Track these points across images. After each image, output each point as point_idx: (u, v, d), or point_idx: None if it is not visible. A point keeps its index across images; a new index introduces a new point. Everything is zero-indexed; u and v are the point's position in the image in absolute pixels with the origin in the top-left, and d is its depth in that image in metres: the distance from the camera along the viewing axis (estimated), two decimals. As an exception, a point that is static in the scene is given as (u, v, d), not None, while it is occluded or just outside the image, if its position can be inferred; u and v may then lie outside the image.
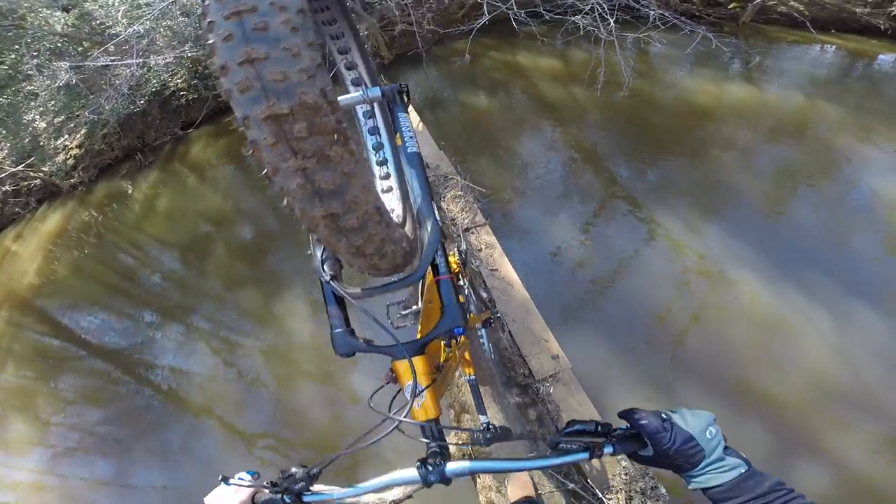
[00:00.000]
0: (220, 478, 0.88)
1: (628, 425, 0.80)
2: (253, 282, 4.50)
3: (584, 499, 2.30)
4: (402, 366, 0.94)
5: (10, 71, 6.04)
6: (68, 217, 6.47)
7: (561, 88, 5.57)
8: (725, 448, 0.73)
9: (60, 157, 6.86)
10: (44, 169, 6.71)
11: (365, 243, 0.76)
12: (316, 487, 0.90)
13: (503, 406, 2.66)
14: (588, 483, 2.32)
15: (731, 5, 5.95)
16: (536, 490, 2.32)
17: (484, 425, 1.38)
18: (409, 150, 1.06)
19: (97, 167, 6.85)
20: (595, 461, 1.96)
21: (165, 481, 3.33)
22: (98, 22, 5.51)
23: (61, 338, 4.86)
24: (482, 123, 5.38)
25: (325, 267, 0.96)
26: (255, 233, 5.12)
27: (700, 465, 0.72)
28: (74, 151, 6.83)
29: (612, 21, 4.04)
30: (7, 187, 6.72)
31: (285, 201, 0.68)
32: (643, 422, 0.75)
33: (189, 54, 6.27)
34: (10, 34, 5.56)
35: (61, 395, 4.22)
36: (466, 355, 1.99)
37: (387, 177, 1.20)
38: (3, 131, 6.43)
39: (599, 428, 0.80)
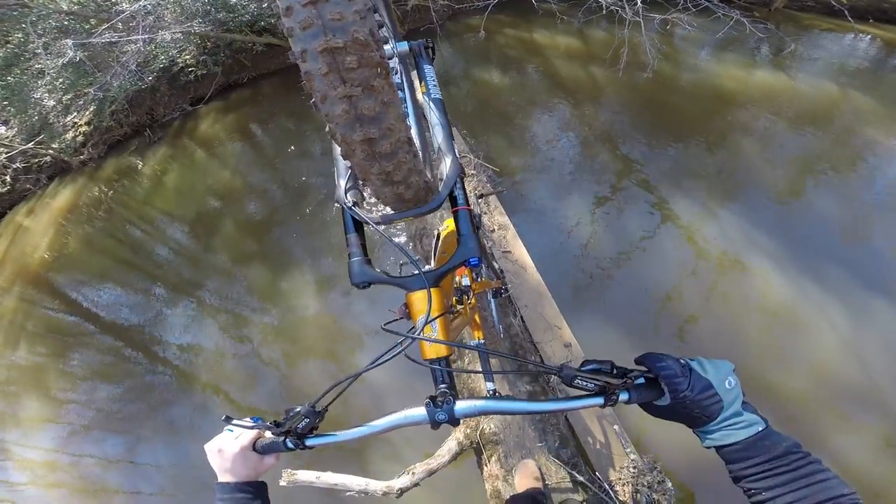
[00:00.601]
0: (223, 417, 0.84)
1: (645, 371, 0.74)
2: (260, 257, 4.48)
3: (590, 490, 2.27)
4: (417, 298, 0.91)
5: (17, 50, 5.92)
6: (78, 193, 6.44)
7: (579, 68, 5.36)
8: (744, 403, 0.69)
9: (70, 134, 6.76)
10: (53, 146, 6.63)
11: (395, 169, 0.81)
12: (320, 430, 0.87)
13: (509, 379, 2.61)
14: (595, 475, 2.29)
15: None
16: (544, 480, 2.28)
17: (490, 392, 1.31)
18: (433, 96, 1.11)
19: (106, 143, 6.77)
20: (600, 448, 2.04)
21: (171, 458, 3.37)
22: (103, -1, 5.31)
23: (72, 313, 4.87)
24: (496, 101, 5.22)
25: (348, 195, 0.98)
26: (263, 208, 5.05)
27: (717, 420, 0.67)
28: (83, 128, 6.73)
29: (638, 1, 3.81)
30: (18, 164, 6.65)
31: (328, 128, 0.75)
32: (661, 364, 0.70)
33: (197, 30, 6.09)
34: (15, 13, 5.39)
35: (72, 372, 4.25)
36: (476, 318, 1.93)
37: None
38: (12, 109, 6.36)
39: (615, 370, 0.74)
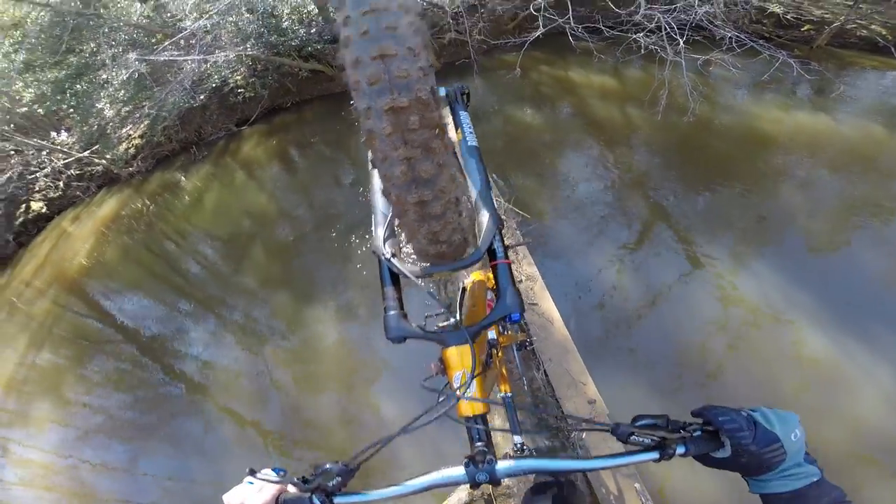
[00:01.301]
0: (247, 470, 0.79)
1: (702, 422, 0.70)
2: (284, 282, 4.45)
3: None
4: (454, 353, 0.88)
5: (88, 59, 6.27)
6: (123, 204, 6.68)
7: (615, 109, 5.27)
8: (805, 454, 0.66)
9: (123, 146, 7.09)
10: (107, 156, 6.94)
11: (442, 230, 0.82)
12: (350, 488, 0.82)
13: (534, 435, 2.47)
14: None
15: (805, 28, 5.55)
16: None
17: (518, 446, 1.25)
18: (469, 144, 1.11)
19: (155, 158, 7.05)
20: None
21: (176, 471, 3.30)
22: (170, 14, 5.63)
23: (99, 319, 4.98)
24: (528, 140, 5.15)
25: (386, 246, 0.96)
26: (293, 233, 5.06)
27: (776, 470, 0.64)
28: (136, 141, 7.05)
29: (681, 41, 3.77)
30: (72, 171, 6.98)
31: (382, 188, 0.78)
32: (724, 418, 0.66)
33: (250, 52, 6.38)
34: (91, 23, 5.76)
35: (88, 377, 4.29)
36: (503, 370, 1.86)
37: None
38: (77, 117, 6.68)
39: (670, 424, 0.70)
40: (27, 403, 4.17)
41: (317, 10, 6.82)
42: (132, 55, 5.47)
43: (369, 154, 1.00)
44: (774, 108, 4.71)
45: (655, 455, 0.70)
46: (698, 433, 0.70)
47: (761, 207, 3.74)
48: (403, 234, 0.96)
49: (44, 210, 6.93)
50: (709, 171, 4.16)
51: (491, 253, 0.96)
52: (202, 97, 6.49)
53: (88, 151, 6.69)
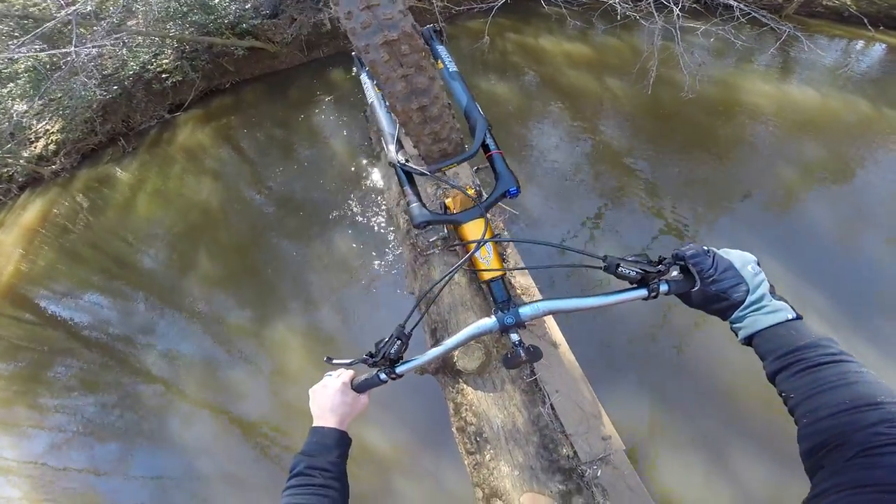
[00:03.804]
0: (325, 358, 0.91)
1: (670, 259, 0.74)
2: (245, 274, 3.93)
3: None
4: (470, 228, 1.04)
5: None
6: (52, 203, 5.70)
7: (598, 81, 4.53)
8: (773, 293, 0.67)
9: (41, 143, 5.97)
10: (24, 154, 5.85)
11: (441, 129, 1.04)
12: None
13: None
14: None
15: None
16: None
17: (516, 343, 1.11)
18: (450, 70, 1.23)
19: (80, 153, 5.97)
20: None
21: (148, 470, 3.05)
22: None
23: (47, 325, 4.43)
24: (506, 121, 4.40)
25: (398, 156, 1.11)
26: (246, 221, 4.39)
27: (746, 303, 0.65)
28: (55, 136, 5.93)
29: (676, 9, 3.00)
30: (-14, 173, 5.87)
31: (387, 102, 0.99)
32: (686, 247, 0.71)
33: (173, 33, 5.28)
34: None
35: (47, 381, 3.86)
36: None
37: None
38: None
39: (650, 262, 0.75)
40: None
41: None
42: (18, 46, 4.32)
43: (369, 89, 1.36)
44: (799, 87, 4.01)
45: (644, 292, 0.75)
46: (675, 273, 0.73)
47: (766, 192, 3.18)
48: (411, 140, 1.11)
49: (-42, 219, 5.85)
50: (703, 153, 3.52)
51: (485, 147, 1.11)
52: (120, 87, 5.39)
53: (1, 151, 5.57)
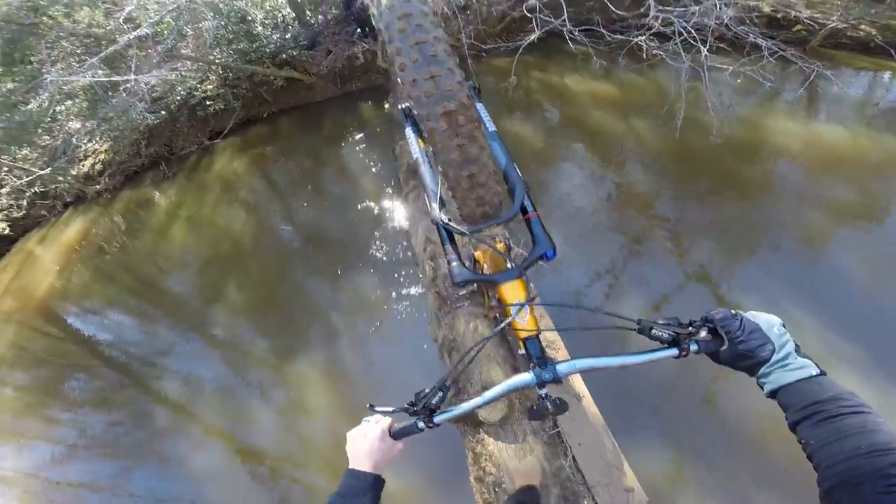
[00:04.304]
0: (367, 405, 0.93)
1: (704, 323, 0.78)
2: (271, 307, 3.95)
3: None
4: (507, 290, 1.06)
5: (35, 70, 5.38)
6: (93, 223, 5.95)
7: (619, 121, 4.51)
8: (798, 351, 0.70)
9: (88, 162, 6.27)
10: (72, 172, 6.13)
11: (486, 194, 1.06)
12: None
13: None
14: None
15: (797, 28, 4.80)
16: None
17: (542, 396, 1.10)
18: (489, 130, 1.29)
19: (123, 174, 6.23)
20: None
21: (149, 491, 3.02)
22: (124, 19, 4.74)
23: (71, 341, 4.57)
24: (525, 160, 4.38)
25: (441, 214, 1.13)
26: (274, 253, 4.47)
27: (770, 361, 0.69)
28: (102, 157, 6.22)
29: (704, 49, 2.98)
30: (36, 189, 6.16)
31: (439, 167, 1.02)
32: (717, 314, 0.76)
33: (219, 59, 5.53)
34: (33, 33, 4.87)
35: (65, 396, 3.96)
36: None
37: None
38: (40, 130, 5.85)
39: (681, 323, 0.79)
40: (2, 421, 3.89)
41: (293, 15, 5.96)
42: (84, 67, 4.59)
43: (413, 144, 1.40)
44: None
45: (675, 351, 0.79)
46: (704, 333, 0.77)
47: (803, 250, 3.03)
48: (455, 202, 1.13)
49: (7, 231, 6.12)
50: (728, 199, 3.43)
51: (523, 209, 1.14)
52: (167, 111, 5.64)
53: (50, 168, 5.86)
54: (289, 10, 5.94)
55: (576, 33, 3.87)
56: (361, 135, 5.41)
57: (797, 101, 4.15)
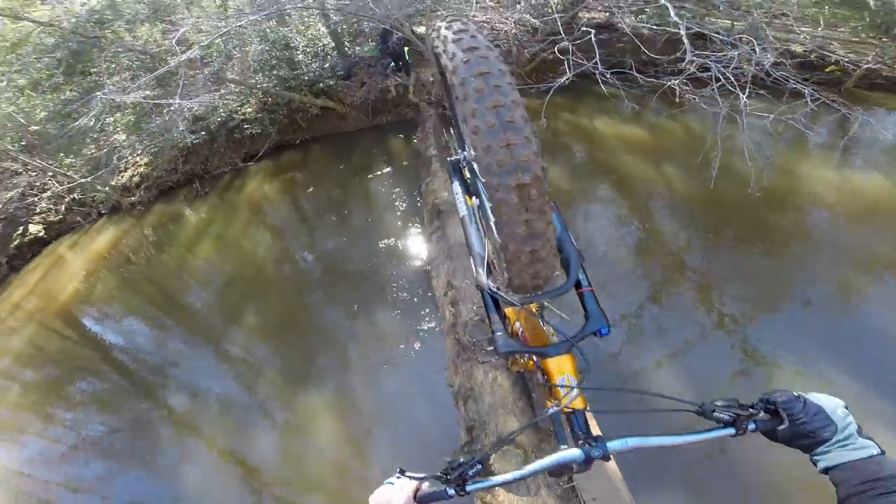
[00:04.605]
0: (398, 469, 0.86)
1: (764, 404, 0.77)
2: (285, 328, 3.93)
3: None
4: (553, 363, 1.01)
5: (92, 83, 5.68)
6: (124, 233, 6.11)
7: (650, 166, 4.43)
8: (859, 431, 0.69)
9: (128, 174, 6.50)
10: (111, 183, 6.36)
11: (543, 268, 0.98)
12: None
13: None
14: None
15: (829, 69, 4.73)
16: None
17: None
18: None
19: (158, 188, 6.42)
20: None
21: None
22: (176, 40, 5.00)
23: (85, 345, 4.59)
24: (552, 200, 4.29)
25: (489, 282, 1.10)
26: (298, 280, 4.47)
27: (830, 441, 0.68)
28: (141, 170, 6.45)
29: (743, 96, 2.91)
30: (75, 195, 6.40)
31: (499, 239, 0.91)
32: (780, 396, 0.75)
33: (261, 84, 5.75)
34: (94, 47, 5.17)
35: (71, 397, 3.97)
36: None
37: None
38: (89, 138, 6.09)
39: (741, 405, 0.78)
40: (3, 415, 3.94)
41: (333, 45, 6.21)
42: (134, 84, 4.82)
43: (460, 202, 1.33)
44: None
45: (732, 430, 0.78)
46: (763, 413, 0.77)
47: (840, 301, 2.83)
48: (507, 272, 1.01)
49: (42, 234, 6.32)
50: (762, 253, 3.26)
51: (577, 283, 1.09)
52: (206, 131, 5.84)
53: (91, 177, 6.09)
54: (329, 39, 6.19)
55: (608, 76, 3.88)
56: (389, 168, 5.46)
57: (831, 145, 4.02)
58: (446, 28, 0.95)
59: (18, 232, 6.28)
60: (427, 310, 3.49)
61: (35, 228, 6.34)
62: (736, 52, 3.11)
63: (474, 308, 2.57)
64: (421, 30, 5.84)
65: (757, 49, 3.19)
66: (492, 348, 2.06)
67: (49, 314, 5.03)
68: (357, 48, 6.42)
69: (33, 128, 6.70)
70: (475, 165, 0.84)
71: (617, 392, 1.01)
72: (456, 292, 2.69)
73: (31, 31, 5.17)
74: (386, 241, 4.33)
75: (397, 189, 5.03)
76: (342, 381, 3.22)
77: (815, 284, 3.03)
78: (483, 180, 0.85)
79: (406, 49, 5.75)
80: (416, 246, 4.15)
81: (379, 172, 5.45)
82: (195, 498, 2.87)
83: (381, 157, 5.74)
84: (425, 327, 3.39)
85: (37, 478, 3.27)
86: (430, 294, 3.53)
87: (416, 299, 3.63)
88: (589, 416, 2.20)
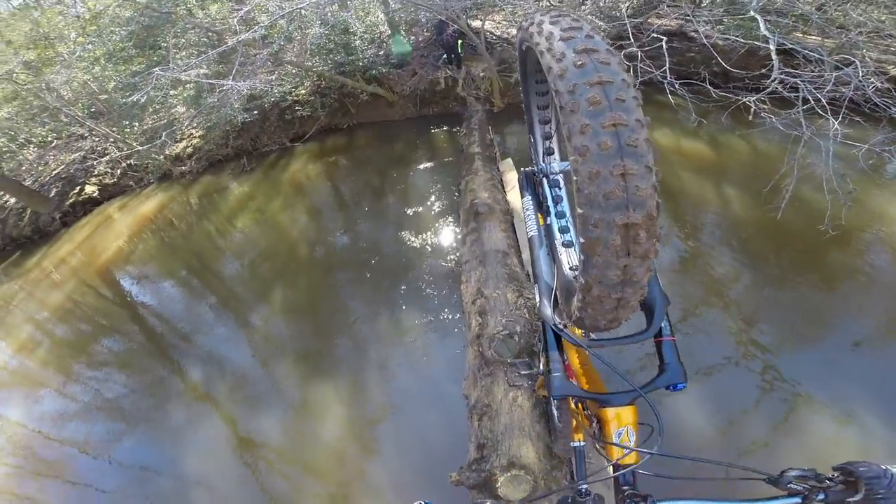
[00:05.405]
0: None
1: (842, 475, 0.73)
2: (310, 309, 3.87)
3: None
4: (611, 413, 0.93)
5: (160, 57, 5.83)
6: (171, 199, 6.26)
7: (709, 186, 4.04)
8: None
9: (182, 144, 6.66)
10: (166, 152, 6.52)
11: (625, 314, 0.82)
12: None
13: None
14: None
15: None
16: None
17: (583, 491, 0.90)
18: None
19: (208, 160, 6.56)
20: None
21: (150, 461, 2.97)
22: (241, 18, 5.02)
23: (119, 304, 4.73)
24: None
25: (555, 316, 0.99)
26: (330, 262, 4.38)
27: None
28: (195, 142, 6.59)
29: (835, 122, 2.52)
30: (132, 161, 6.62)
31: (584, 280, 0.73)
32: (864, 469, 0.71)
33: (317, 67, 5.71)
34: (165, 22, 5.27)
35: (98, 355, 4.07)
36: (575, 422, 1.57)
37: (569, 244, 1.14)
38: (152, 108, 6.29)
39: (817, 476, 0.73)
40: (30, 368, 4.10)
41: (389, 33, 6.10)
42: (195, 59, 4.87)
43: (531, 219, 1.17)
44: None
45: (798, 500, 0.72)
46: (838, 486, 0.71)
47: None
48: (578, 311, 0.86)
49: (95, 194, 6.59)
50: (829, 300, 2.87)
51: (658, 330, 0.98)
52: (259, 110, 5.87)
53: (149, 146, 6.26)
54: (386, 26, 6.08)
55: (676, 86, 3.55)
56: (430, 163, 5.31)
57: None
58: (551, 22, 0.75)
59: (75, 192, 6.59)
60: (453, 313, 3.31)
61: (90, 189, 6.62)
62: (833, 74, 2.71)
63: (503, 321, 2.35)
64: (476, 24, 5.64)
65: (860, 71, 2.78)
66: (526, 372, 1.89)
67: (90, 271, 5.20)
68: (412, 38, 6.28)
69: (103, 96, 7.05)
70: (575, 193, 0.67)
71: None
72: (485, 301, 2.47)
73: (110, 3, 5.34)
74: (420, 236, 4.16)
75: (437, 184, 4.86)
76: (357, 370, 3.11)
77: (868, 327, 2.65)
78: (580, 211, 0.67)
79: (459, 42, 5.56)
80: (450, 246, 3.95)
81: (420, 165, 5.30)
82: (191, 460, 2.87)
83: (424, 149, 5.59)
84: (448, 331, 3.21)
85: (43, 433, 3.33)
86: (456, 296, 3.35)
87: (442, 301, 3.45)
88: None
